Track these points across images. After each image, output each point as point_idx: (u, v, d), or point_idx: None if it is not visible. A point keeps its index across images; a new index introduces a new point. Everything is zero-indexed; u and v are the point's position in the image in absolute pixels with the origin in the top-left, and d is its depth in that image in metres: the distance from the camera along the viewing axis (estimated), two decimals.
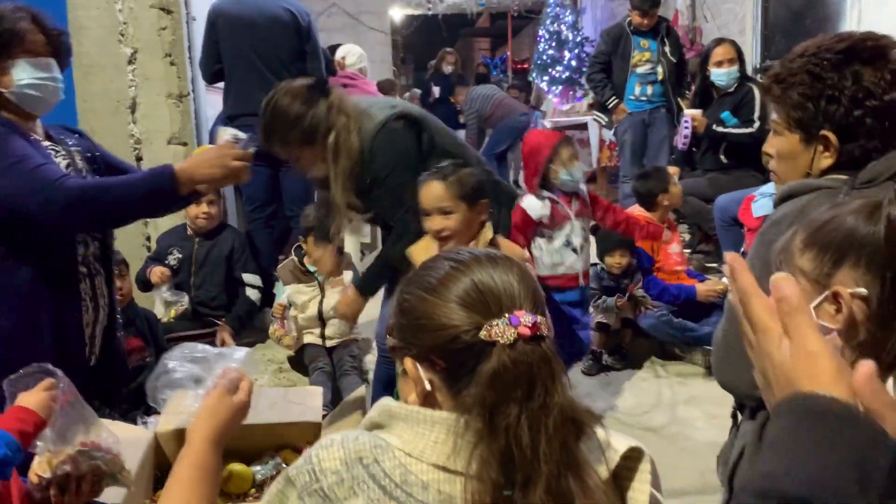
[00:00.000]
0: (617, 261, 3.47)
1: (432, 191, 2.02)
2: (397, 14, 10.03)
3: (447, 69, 8.14)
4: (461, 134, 8.19)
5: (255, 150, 1.93)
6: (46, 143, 1.87)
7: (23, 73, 1.78)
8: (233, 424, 1.18)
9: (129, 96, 3.59)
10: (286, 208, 3.76)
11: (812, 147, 1.36)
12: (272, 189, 3.73)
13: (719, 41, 4.31)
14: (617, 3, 9.70)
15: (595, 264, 3.48)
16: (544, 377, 0.86)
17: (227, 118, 3.58)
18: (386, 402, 0.96)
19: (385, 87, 6.22)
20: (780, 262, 0.99)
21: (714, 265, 4.37)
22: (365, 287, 2.33)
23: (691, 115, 4.22)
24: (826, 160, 1.35)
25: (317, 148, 2.14)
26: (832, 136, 1.33)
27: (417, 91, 8.87)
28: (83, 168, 1.93)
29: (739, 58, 4.20)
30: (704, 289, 3.52)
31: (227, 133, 1.94)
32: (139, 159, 3.62)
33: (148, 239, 3.67)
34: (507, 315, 0.88)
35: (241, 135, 1.94)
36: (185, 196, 1.88)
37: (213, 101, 3.96)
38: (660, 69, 4.96)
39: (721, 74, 4.17)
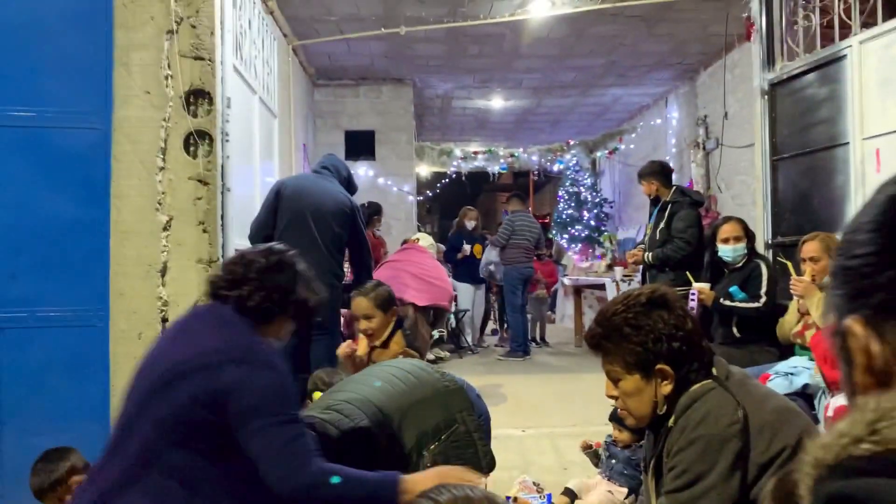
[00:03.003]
0: (615, 434, 3.26)
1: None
2: (423, 170, 10.52)
3: (469, 225, 8.41)
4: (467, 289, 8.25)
5: None
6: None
7: (288, 330, 2.08)
8: None
9: (161, 261, 3.79)
10: None
11: (652, 381, 1.67)
12: (301, 357, 3.88)
13: (727, 219, 4.45)
14: (633, 168, 10.10)
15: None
16: None
17: None
18: None
19: None
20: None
21: None
22: None
23: (698, 287, 4.30)
24: (667, 387, 1.67)
25: None
26: (667, 367, 1.65)
27: (442, 246, 9.13)
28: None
29: (747, 234, 4.32)
30: None
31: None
32: (164, 320, 3.76)
33: None
34: None
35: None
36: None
37: None
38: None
39: (727, 251, 4.28)
